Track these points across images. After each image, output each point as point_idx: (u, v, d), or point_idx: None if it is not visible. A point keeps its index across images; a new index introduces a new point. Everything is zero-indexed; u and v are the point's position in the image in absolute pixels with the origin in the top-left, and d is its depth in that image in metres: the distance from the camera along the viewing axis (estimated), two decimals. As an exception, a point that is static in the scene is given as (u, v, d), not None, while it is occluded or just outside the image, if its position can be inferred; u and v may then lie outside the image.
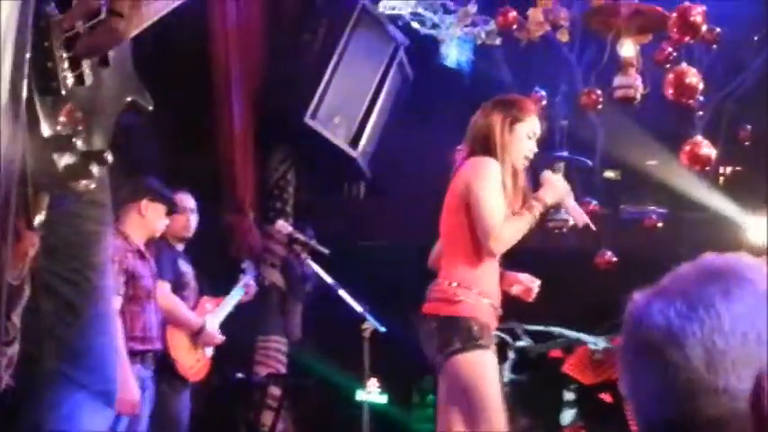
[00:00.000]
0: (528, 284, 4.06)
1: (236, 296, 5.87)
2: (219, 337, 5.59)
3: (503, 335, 7.85)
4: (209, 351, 5.61)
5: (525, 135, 3.91)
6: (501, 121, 3.86)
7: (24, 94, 1.39)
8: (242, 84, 7.09)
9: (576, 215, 4.03)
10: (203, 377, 5.61)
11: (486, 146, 3.85)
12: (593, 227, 4.04)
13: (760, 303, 1.12)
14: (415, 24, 7.75)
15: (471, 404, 3.68)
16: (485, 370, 3.72)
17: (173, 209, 5.20)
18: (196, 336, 5.45)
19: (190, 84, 7.03)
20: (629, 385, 1.20)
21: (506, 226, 3.75)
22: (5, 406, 1.73)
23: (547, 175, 3.94)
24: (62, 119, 1.55)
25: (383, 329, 5.26)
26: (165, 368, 5.20)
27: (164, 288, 5.21)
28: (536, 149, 3.96)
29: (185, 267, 5.55)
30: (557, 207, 3.99)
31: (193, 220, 5.61)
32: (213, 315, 5.63)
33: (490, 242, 3.73)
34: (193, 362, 5.46)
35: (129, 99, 1.86)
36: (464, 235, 3.82)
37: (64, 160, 1.57)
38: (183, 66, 6.88)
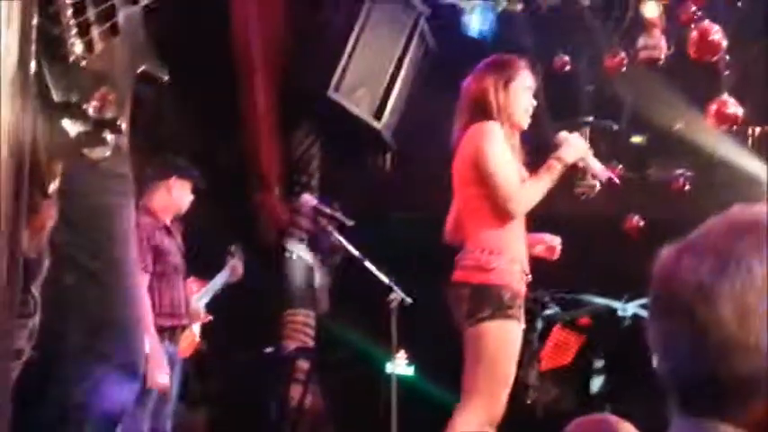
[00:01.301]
0: (550, 243, 4.05)
1: (222, 278, 5.92)
2: (205, 316, 5.65)
3: (530, 303, 7.84)
4: (197, 328, 5.66)
5: (522, 90, 3.89)
6: (494, 84, 3.84)
7: (33, 63, 1.38)
8: (264, 59, 7.08)
9: (599, 171, 4.00)
10: (191, 354, 5.67)
11: (484, 110, 3.83)
12: (616, 180, 4.01)
13: None
14: (435, -8, 7.68)
15: (483, 370, 3.66)
16: (508, 342, 3.71)
17: (200, 186, 5.21)
18: None
19: (212, 62, 7.02)
20: (659, 344, 1.17)
21: (525, 188, 3.76)
22: (30, 379, 1.73)
23: (563, 134, 3.93)
24: (71, 86, 1.54)
25: (410, 300, 5.24)
26: None
27: None
28: (535, 102, 3.94)
29: None
30: (577, 166, 3.97)
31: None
32: (199, 294, 5.69)
33: (510, 205, 3.74)
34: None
35: (141, 68, 1.84)
36: (486, 202, 3.79)
37: (75, 128, 1.56)
38: (205, 44, 6.87)
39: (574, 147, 3.90)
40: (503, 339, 3.69)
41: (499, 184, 3.74)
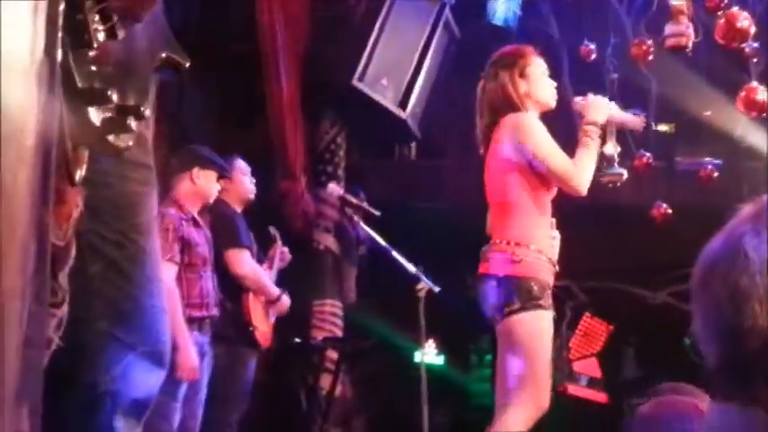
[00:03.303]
0: None
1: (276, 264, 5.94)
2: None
3: (558, 292, 7.82)
4: (272, 318, 5.67)
5: (540, 74, 3.89)
6: (509, 77, 3.83)
7: (59, 49, 1.39)
8: (289, 49, 7.08)
9: (631, 120, 4.02)
10: (270, 344, 5.70)
11: (509, 105, 3.82)
12: (653, 126, 4.02)
13: None
14: (460, -19, 7.66)
15: (523, 363, 3.66)
16: (541, 332, 3.70)
17: (224, 175, 5.22)
18: (271, 304, 5.51)
19: (237, 52, 7.04)
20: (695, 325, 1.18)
21: (579, 164, 3.77)
22: (58, 368, 1.74)
23: (579, 100, 3.94)
24: (95, 72, 1.54)
25: (437, 289, 5.23)
26: (242, 336, 5.27)
27: (244, 255, 5.27)
28: (555, 83, 3.94)
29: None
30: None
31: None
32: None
33: (573, 183, 3.77)
34: (266, 329, 5.53)
35: (163, 54, 1.84)
36: (515, 193, 3.79)
37: (100, 114, 1.56)
38: (230, 34, 6.89)
39: (598, 106, 3.91)
40: (536, 329, 3.69)
41: (556, 169, 3.77)
